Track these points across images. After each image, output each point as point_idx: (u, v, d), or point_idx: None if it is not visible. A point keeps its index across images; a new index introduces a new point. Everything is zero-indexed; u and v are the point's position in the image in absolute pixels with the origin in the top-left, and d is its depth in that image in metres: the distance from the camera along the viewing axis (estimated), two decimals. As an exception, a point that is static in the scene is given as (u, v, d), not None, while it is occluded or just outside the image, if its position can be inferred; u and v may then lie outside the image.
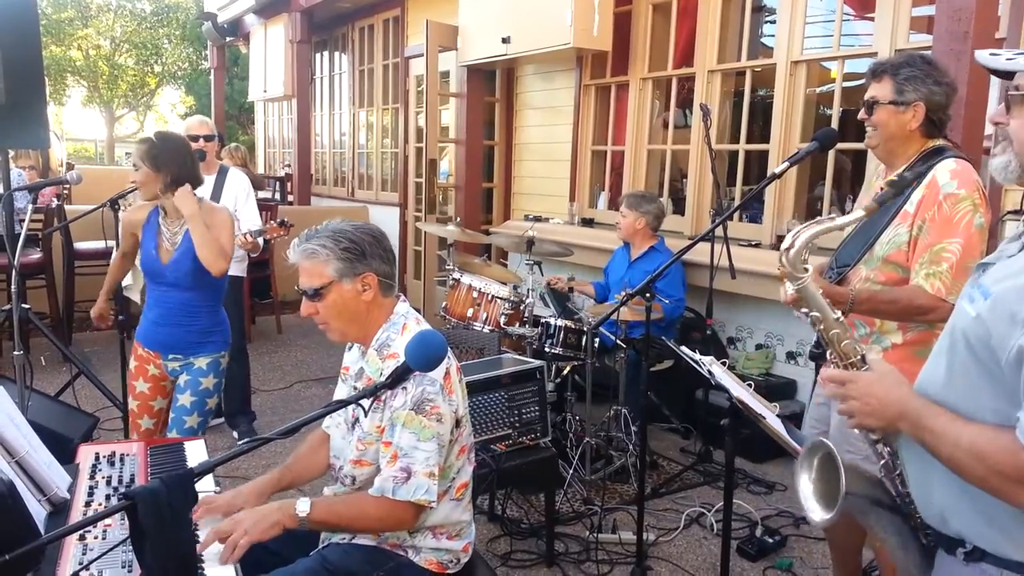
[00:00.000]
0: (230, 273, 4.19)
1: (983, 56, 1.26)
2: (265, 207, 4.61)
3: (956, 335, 1.24)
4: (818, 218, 1.45)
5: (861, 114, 2.30)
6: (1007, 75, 1.25)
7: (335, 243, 1.88)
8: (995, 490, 1.15)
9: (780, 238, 3.96)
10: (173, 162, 2.84)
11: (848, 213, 1.50)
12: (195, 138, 4.18)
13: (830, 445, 1.35)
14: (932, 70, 2.22)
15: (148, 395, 3.01)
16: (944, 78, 2.23)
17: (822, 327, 1.45)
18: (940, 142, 2.26)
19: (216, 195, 4.18)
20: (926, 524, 1.36)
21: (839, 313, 1.44)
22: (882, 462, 1.42)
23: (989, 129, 3.03)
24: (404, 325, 1.94)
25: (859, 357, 1.42)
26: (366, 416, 1.88)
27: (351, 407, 1.96)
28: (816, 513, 1.38)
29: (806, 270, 1.42)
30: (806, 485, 1.41)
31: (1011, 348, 1.12)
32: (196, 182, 2.93)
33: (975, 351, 1.19)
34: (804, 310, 1.48)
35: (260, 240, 4.06)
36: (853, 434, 1.50)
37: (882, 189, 1.54)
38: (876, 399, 1.30)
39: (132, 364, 3.04)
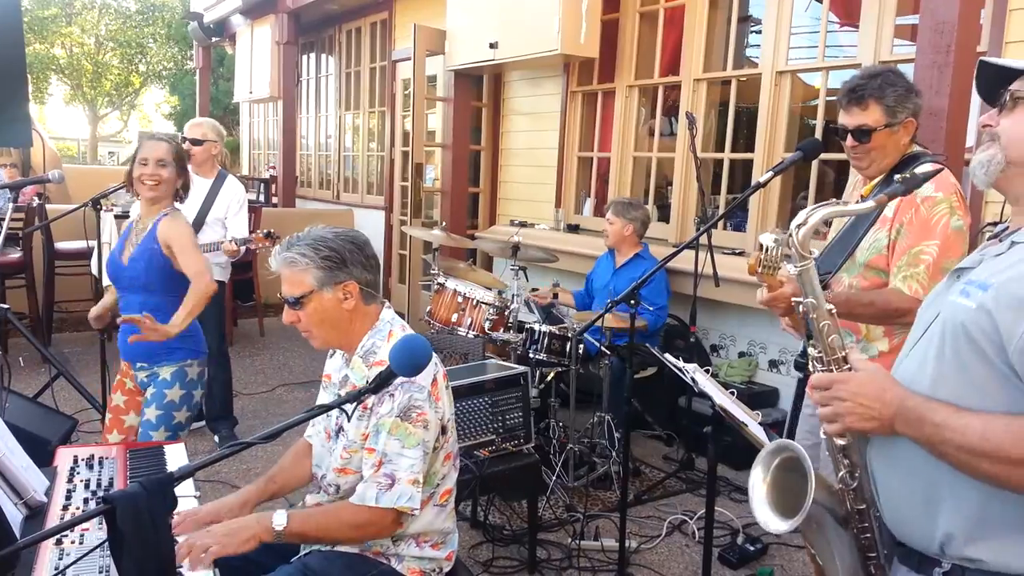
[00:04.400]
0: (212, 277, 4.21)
1: (991, 58, 1.29)
2: (249, 209, 4.59)
3: (949, 329, 1.21)
4: (831, 200, 1.41)
5: (850, 142, 2.27)
6: (1003, 80, 1.26)
7: (315, 252, 1.86)
8: (1010, 478, 1.11)
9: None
10: (186, 171, 2.95)
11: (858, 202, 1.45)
12: (183, 139, 4.18)
13: (799, 449, 1.31)
14: (907, 82, 2.27)
15: (122, 409, 2.90)
16: (915, 86, 2.29)
17: (814, 315, 1.39)
18: (916, 148, 2.30)
19: (210, 200, 4.17)
20: (871, 546, 1.32)
21: (833, 306, 1.40)
22: (841, 472, 1.36)
23: (970, 141, 3.08)
24: (390, 332, 1.93)
25: (842, 355, 1.37)
26: (350, 420, 1.87)
27: (334, 415, 1.95)
28: (773, 521, 1.32)
29: (811, 253, 1.38)
30: (759, 486, 1.35)
31: (1020, 334, 1.10)
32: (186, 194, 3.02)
33: (977, 344, 1.16)
34: (798, 298, 1.42)
35: (243, 248, 4.06)
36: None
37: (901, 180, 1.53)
38: (870, 399, 1.25)
39: (116, 377, 2.95)
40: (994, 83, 1.28)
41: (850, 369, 1.36)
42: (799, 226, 1.37)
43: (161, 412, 2.76)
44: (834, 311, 1.40)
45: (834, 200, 1.41)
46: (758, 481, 1.36)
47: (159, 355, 2.78)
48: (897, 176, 1.46)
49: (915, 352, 1.31)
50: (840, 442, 1.35)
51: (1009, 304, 1.12)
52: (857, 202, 1.49)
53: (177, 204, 2.97)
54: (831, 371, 1.36)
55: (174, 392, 2.78)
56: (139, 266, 2.80)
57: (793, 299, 1.43)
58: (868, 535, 1.34)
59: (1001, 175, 1.25)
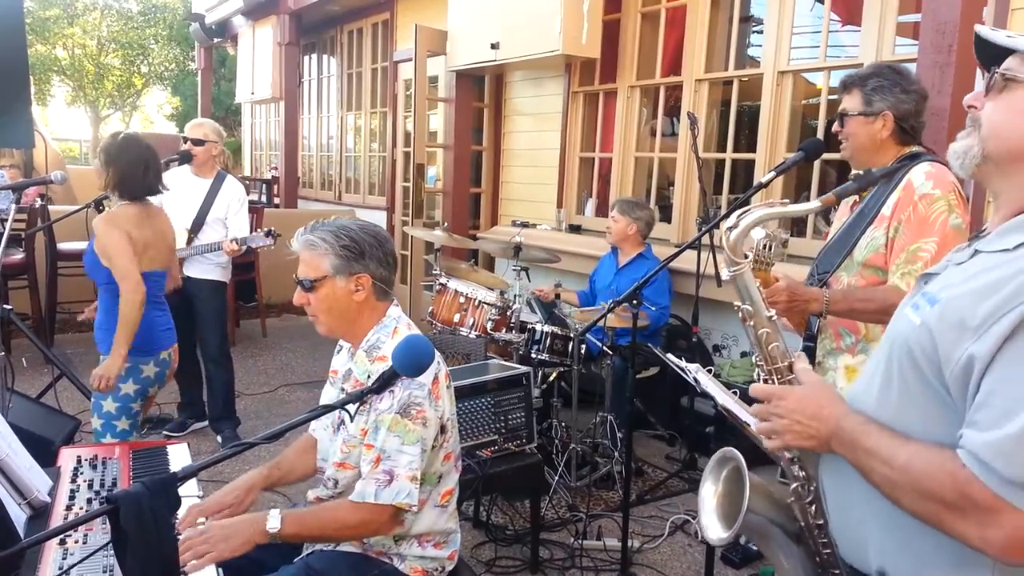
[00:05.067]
0: (214, 278, 4.23)
1: (984, 28, 1.16)
2: (250, 210, 4.61)
3: (896, 346, 1.12)
4: (770, 200, 1.35)
5: (835, 127, 2.30)
6: (995, 57, 1.13)
7: (336, 239, 1.89)
8: (930, 516, 1.04)
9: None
10: (120, 165, 2.89)
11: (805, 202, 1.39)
12: (185, 139, 4.19)
13: (739, 457, 1.27)
14: (900, 79, 2.23)
15: None
16: (912, 86, 2.23)
17: (752, 323, 1.32)
18: (915, 148, 2.28)
19: (209, 201, 4.18)
20: (833, 563, 1.26)
21: (773, 312, 1.33)
22: (794, 485, 1.31)
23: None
24: (395, 329, 1.94)
25: (786, 364, 1.30)
26: (352, 420, 1.88)
27: (336, 410, 1.96)
28: (713, 530, 1.27)
29: (746, 256, 1.31)
30: (709, 498, 1.30)
31: (959, 358, 1.00)
32: (142, 191, 2.97)
33: (918, 364, 1.07)
34: (736, 303, 1.36)
35: (244, 247, 4.07)
36: None
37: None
38: (807, 416, 1.17)
39: None
40: (988, 58, 1.16)
41: (793, 380, 1.29)
42: (730, 229, 1.31)
43: (93, 400, 2.92)
44: (774, 318, 1.33)
45: (772, 200, 1.34)
46: (708, 493, 1.32)
47: (99, 344, 2.94)
48: (854, 172, 1.45)
49: (871, 362, 1.23)
50: (787, 455, 1.30)
51: (951, 324, 1.02)
52: (835, 208, 1.45)
53: (154, 200, 3.04)
54: (773, 380, 1.32)
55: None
56: (86, 263, 2.94)
57: (735, 304, 1.36)
58: (829, 551, 1.28)
59: (977, 169, 1.13)
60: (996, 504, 0.96)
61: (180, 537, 1.72)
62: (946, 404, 1.05)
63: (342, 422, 1.95)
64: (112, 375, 2.81)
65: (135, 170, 2.91)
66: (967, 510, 0.98)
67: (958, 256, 1.15)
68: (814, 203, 1.37)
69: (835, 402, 1.18)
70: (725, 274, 1.33)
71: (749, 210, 1.32)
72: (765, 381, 1.33)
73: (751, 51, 5.24)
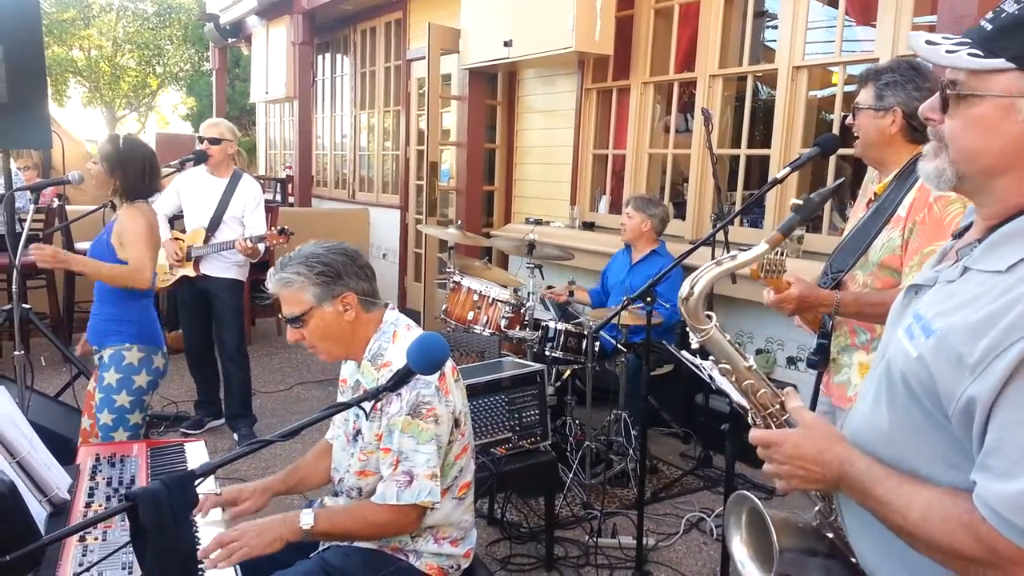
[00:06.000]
0: (230, 277, 4.25)
1: (918, 43, 1.11)
2: (266, 209, 4.63)
3: (895, 375, 1.10)
4: (718, 258, 1.35)
5: (848, 119, 2.28)
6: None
7: (309, 268, 1.89)
8: (955, 569, 1.02)
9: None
10: (127, 171, 2.96)
11: (751, 248, 1.38)
12: (201, 139, 4.22)
13: (754, 499, 1.26)
14: (915, 75, 2.18)
15: (91, 394, 3.05)
16: (926, 83, 2.17)
17: (734, 378, 1.33)
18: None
19: (227, 200, 4.20)
20: None
21: (751, 361, 1.33)
22: (816, 507, 1.30)
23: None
24: (395, 333, 1.95)
25: (778, 405, 1.29)
26: (368, 420, 1.89)
27: (352, 419, 1.97)
28: None
29: (709, 318, 1.32)
30: (739, 548, 1.28)
31: (959, 397, 0.98)
32: (147, 193, 3.04)
33: (918, 397, 1.05)
34: (711, 358, 1.36)
35: (260, 246, 4.09)
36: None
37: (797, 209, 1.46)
38: (808, 461, 1.14)
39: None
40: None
41: (787, 420, 1.27)
42: (685, 299, 1.31)
43: (102, 395, 2.89)
44: (753, 367, 1.32)
45: (721, 258, 1.34)
46: (737, 543, 1.30)
47: (100, 337, 2.96)
48: (792, 202, 1.43)
49: (871, 386, 1.20)
50: None
51: (948, 360, 1.00)
52: (848, 205, 1.41)
53: (153, 199, 3.11)
54: (769, 424, 1.30)
55: (111, 375, 2.89)
56: (93, 254, 2.99)
57: (711, 358, 1.36)
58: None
59: (953, 189, 1.11)
60: None
61: (203, 525, 1.74)
62: (944, 429, 1.03)
63: (358, 431, 1.96)
64: (60, 260, 2.91)
65: (140, 173, 2.98)
66: (997, 565, 0.96)
67: (948, 272, 1.11)
68: (761, 247, 1.36)
69: (834, 442, 1.15)
70: (694, 342, 1.33)
71: (700, 276, 1.32)
72: (763, 425, 1.31)
73: (766, 46, 5.21)
